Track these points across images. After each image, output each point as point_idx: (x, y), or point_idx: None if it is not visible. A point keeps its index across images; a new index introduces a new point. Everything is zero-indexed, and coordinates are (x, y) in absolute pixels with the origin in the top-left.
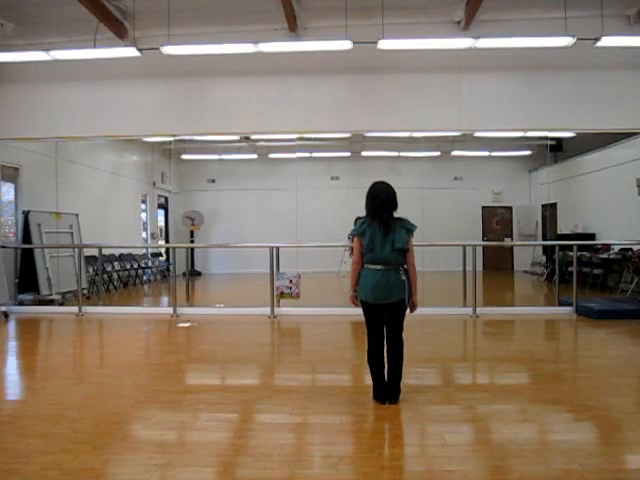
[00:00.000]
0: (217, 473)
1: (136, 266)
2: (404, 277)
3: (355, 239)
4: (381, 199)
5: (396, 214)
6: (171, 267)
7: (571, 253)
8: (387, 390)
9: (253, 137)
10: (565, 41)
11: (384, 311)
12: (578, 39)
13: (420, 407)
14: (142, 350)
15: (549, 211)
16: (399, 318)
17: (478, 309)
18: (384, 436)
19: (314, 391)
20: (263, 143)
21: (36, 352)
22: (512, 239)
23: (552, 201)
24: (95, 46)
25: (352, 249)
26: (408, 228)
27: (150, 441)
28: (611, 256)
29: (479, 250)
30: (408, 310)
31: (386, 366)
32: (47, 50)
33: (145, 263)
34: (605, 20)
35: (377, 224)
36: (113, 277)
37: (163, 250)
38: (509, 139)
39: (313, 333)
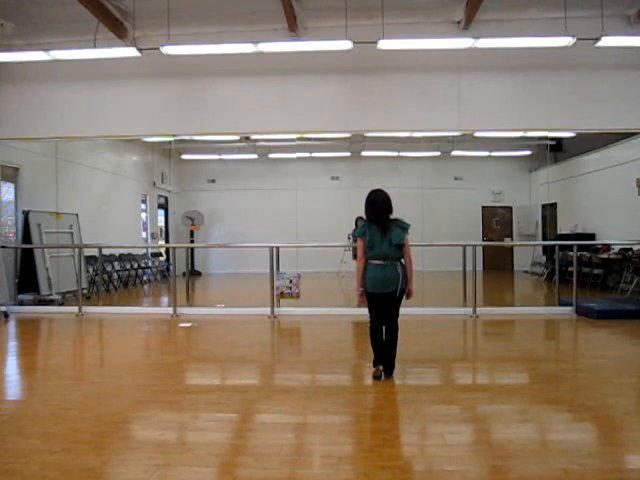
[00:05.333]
0: (217, 473)
1: (136, 266)
2: (400, 271)
3: (358, 240)
4: (379, 206)
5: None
6: (171, 267)
7: (571, 253)
8: (383, 366)
9: (253, 137)
10: (565, 41)
11: (382, 298)
12: (578, 39)
13: (420, 407)
14: (142, 350)
15: (549, 211)
16: (396, 305)
17: (478, 309)
18: (384, 436)
19: (314, 391)
20: (263, 143)
21: (36, 352)
22: (512, 239)
23: (552, 201)
24: (95, 46)
25: (353, 249)
26: (403, 226)
27: (150, 441)
28: (611, 256)
29: (479, 250)
30: (405, 297)
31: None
32: (47, 50)
33: (145, 263)
34: (605, 20)
35: (375, 226)
36: (113, 277)
37: (163, 250)
38: (509, 139)
39: (313, 333)
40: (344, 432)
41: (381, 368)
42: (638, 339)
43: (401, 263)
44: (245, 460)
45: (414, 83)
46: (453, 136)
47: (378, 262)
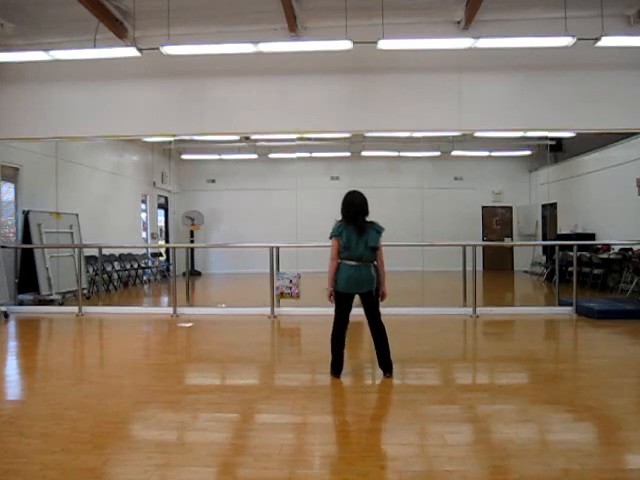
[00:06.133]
0: (217, 473)
1: (136, 266)
2: (374, 272)
3: (333, 240)
4: (356, 207)
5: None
6: (171, 267)
7: (571, 253)
8: (382, 366)
9: (253, 137)
10: (565, 41)
11: (352, 299)
12: (578, 39)
13: (420, 407)
14: (142, 350)
15: (549, 211)
16: (375, 305)
17: (478, 309)
18: (384, 436)
19: (314, 391)
20: (263, 143)
21: (36, 352)
22: (512, 239)
23: (552, 201)
24: (95, 46)
25: None
26: (378, 230)
27: (150, 441)
28: (611, 256)
29: (479, 250)
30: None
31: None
32: (47, 50)
33: (145, 263)
34: (605, 20)
35: (352, 227)
36: (113, 277)
37: (163, 250)
38: (509, 139)
39: (313, 333)
40: (344, 432)
41: (341, 373)
42: (638, 339)
43: (374, 265)
44: (245, 460)
45: (414, 83)
46: (453, 136)
47: (353, 263)
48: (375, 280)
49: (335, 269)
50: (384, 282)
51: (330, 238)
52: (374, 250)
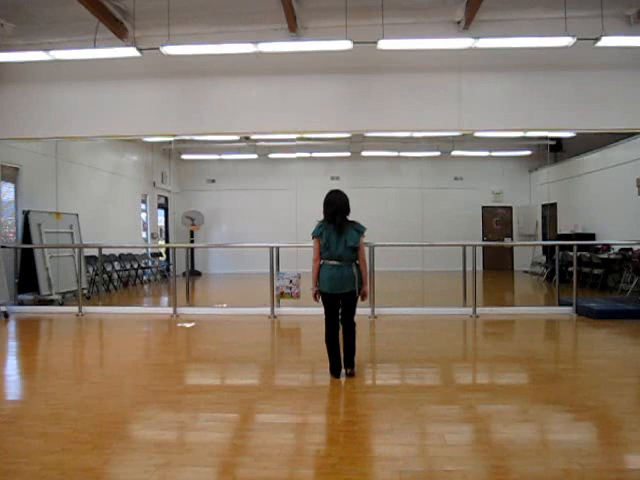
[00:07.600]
0: (217, 473)
1: (136, 266)
2: (355, 271)
3: (314, 240)
4: (336, 206)
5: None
6: (171, 267)
7: (571, 253)
8: (345, 363)
9: (253, 137)
10: (565, 41)
11: (339, 299)
12: (578, 39)
13: (420, 407)
14: (142, 350)
15: (549, 211)
16: (352, 305)
17: (478, 309)
18: (384, 436)
19: (314, 391)
20: (263, 143)
21: (36, 352)
22: (512, 239)
23: (552, 201)
24: (95, 46)
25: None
26: (358, 229)
27: (150, 441)
28: (611, 256)
29: (479, 250)
30: (360, 298)
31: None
32: (47, 50)
33: (145, 263)
34: (605, 20)
35: (332, 226)
36: (113, 277)
37: (163, 250)
38: (509, 139)
39: (313, 333)
40: (344, 432)
41: (340, 373)
42: (638, 339)
43: (356, 264)
44: (245, 460)
45: (414, 83)
46: (453, 136)
47: (334, 263)
48: (357, 280)
49: (317, 269)
50: (366, 282)
51: (312, 238)
52: (354, 250)
